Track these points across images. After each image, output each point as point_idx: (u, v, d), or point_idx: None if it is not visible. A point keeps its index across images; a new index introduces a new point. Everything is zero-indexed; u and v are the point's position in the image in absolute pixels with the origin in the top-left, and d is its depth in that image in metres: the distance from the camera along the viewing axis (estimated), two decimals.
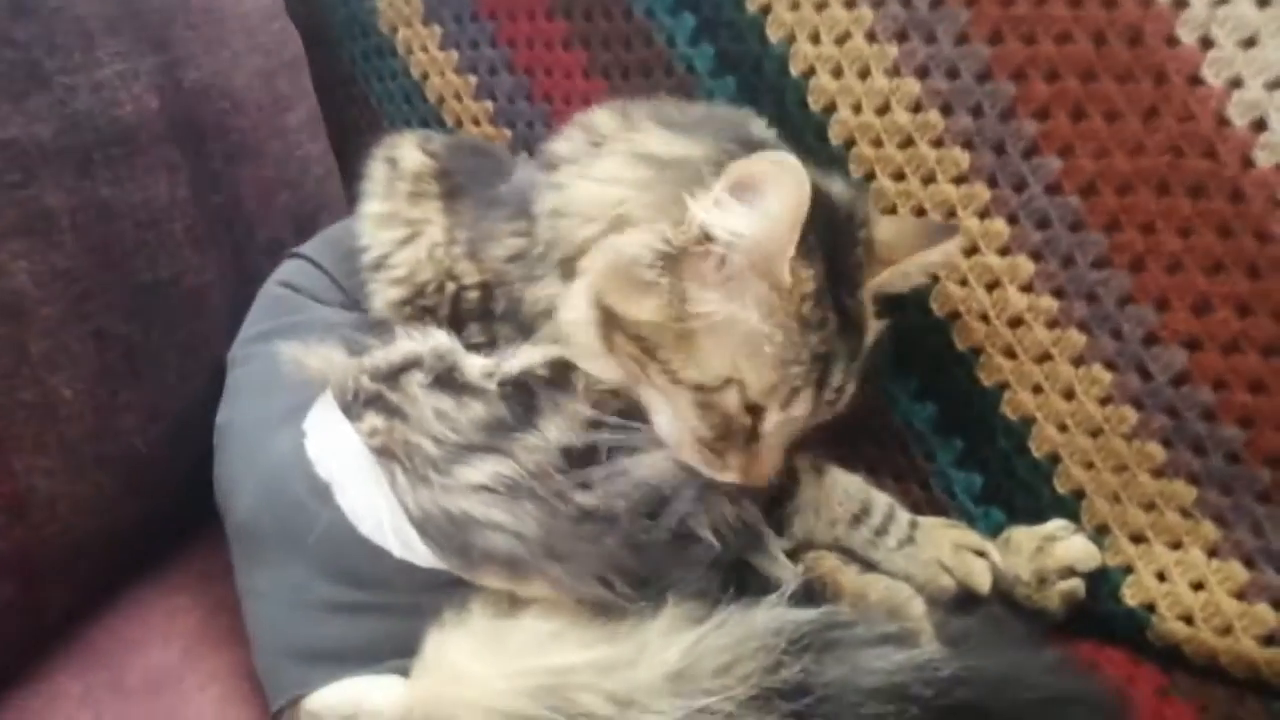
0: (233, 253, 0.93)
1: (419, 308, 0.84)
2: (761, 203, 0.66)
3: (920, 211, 0.86)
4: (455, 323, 0.82)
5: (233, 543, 0.81)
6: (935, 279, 0.86)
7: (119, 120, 0.82)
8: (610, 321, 0.73)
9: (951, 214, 0.84)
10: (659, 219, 0.72)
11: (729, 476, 0.74)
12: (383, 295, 0.85)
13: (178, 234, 0.87)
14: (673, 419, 0.74)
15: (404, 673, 0.74)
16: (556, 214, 0.78)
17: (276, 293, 0.90)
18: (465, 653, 0.72)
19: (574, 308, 0.75)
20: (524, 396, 0.75)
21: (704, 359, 0.71)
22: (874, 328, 0.77)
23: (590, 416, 0.74)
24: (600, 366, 0.75)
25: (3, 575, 0.77)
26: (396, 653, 0.74)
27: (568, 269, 0.77)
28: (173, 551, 0.95)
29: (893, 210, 0.87)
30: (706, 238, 0.69)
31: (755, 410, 0.73)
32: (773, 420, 0.73)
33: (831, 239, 0.72)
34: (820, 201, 0.68)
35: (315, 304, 0.89)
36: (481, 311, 0.83)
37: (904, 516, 0.82)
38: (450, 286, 0.83)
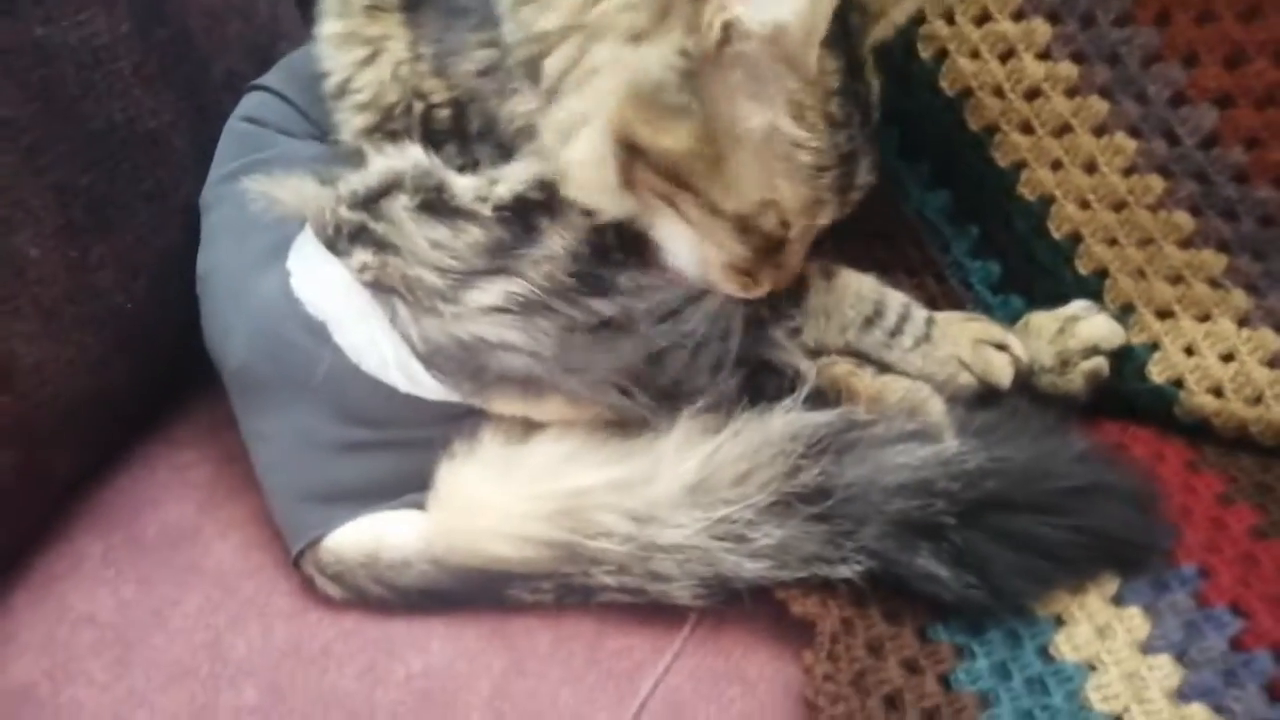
0: (188, 90, 0.87)
1: (388, 133, 0.78)
2: None
3: None
4: (430, 146, 0.77)
5: (231, 391, 0.79)
6: (943, 54, 0.80)
7: None
8: (633, 157, 0.68)
9: None
10: (645, 19, 0.66)
11: (761, 292, 0.73)
12: (349, 124, 0.80)
13: (125, 73, 0.81)
14: (701, 247, 0.71)
15: (420, 507, 0.74)
16: (519, 2, 0.72)
17: (241, 129, 0.85)
18: (480, 482, 0.72)
19: (579, 144, 0.70)
20: (521, 219, 0.71)
21: (741, 183, 0.67)
22: (881, 95, 0.72)
23: (590, 224, 0.71)
24: (608, 202, 0.71)
25: (1, 443, 0.75)
26: (411, 487, 0.74)
27: (532, 69, 0.71)
28: (176, 406, 0.94)
29: None
30: (730, 30, 0.63)
31: (785, 224, 0.70)
32: (799, 230, 0.71)
33: (836, 16, 0.65)
34: None
35: (283, 137, 0.84)
36: (456, 132, 0.78)
37: (919, 314, 0.79)
38: (419, 106, 0.78)
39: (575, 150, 0.70)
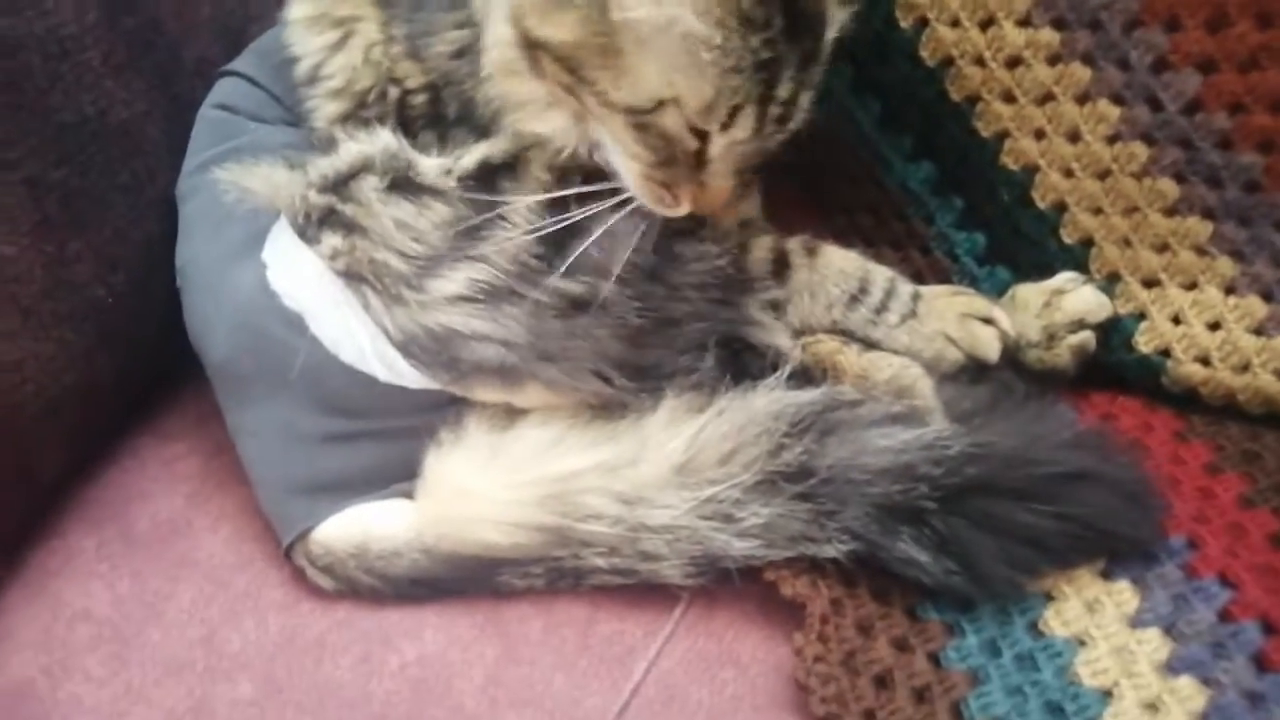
0: (160, 78, 0.85)
1: (362, 121, 0.77)
2: None
3: None
4: (406, 132, 0.76)
5: (215, 385, 0.79)
6: (923, 23, 0.78)
7: None
8: (535, 51, 0.66)
9: None
10: None
11: (679, 209, 0.69)
12: (322, 111, 0.79)
13: (94, 63, 0.80)
14: (620, 153, 0.68)
15: (408, 496, 0.74)
16: None
17: (214, 116, 0.84)
18: (467, 469, 0.72)
19: (498, 45, 0.69)
20: (484, 188, 0.70)
21: (635, 76, 0.64)
22: (836, 20, 0.67)
23: (552, 184, 0.70)
24: (541, 114, 0.70)
25: None
26: (397, 477, 0.74)
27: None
28: (163, 399, 0.93)
29: None
30: None
31: (700, 135, 0.66)
32: (718, 144, 0.66)
33: None
34: None
35: (256, 124, 0.82)
36: (432, 117, 0.76)
37: (905, 289, 0.78)
38: (393, 92, 0.77)
39: (494, 54, 0.69)
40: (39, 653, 0.74)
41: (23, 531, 0.82)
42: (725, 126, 0.65)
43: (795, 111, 0.67)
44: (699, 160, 0.67)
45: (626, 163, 0.69)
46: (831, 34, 0.67)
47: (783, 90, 0.65)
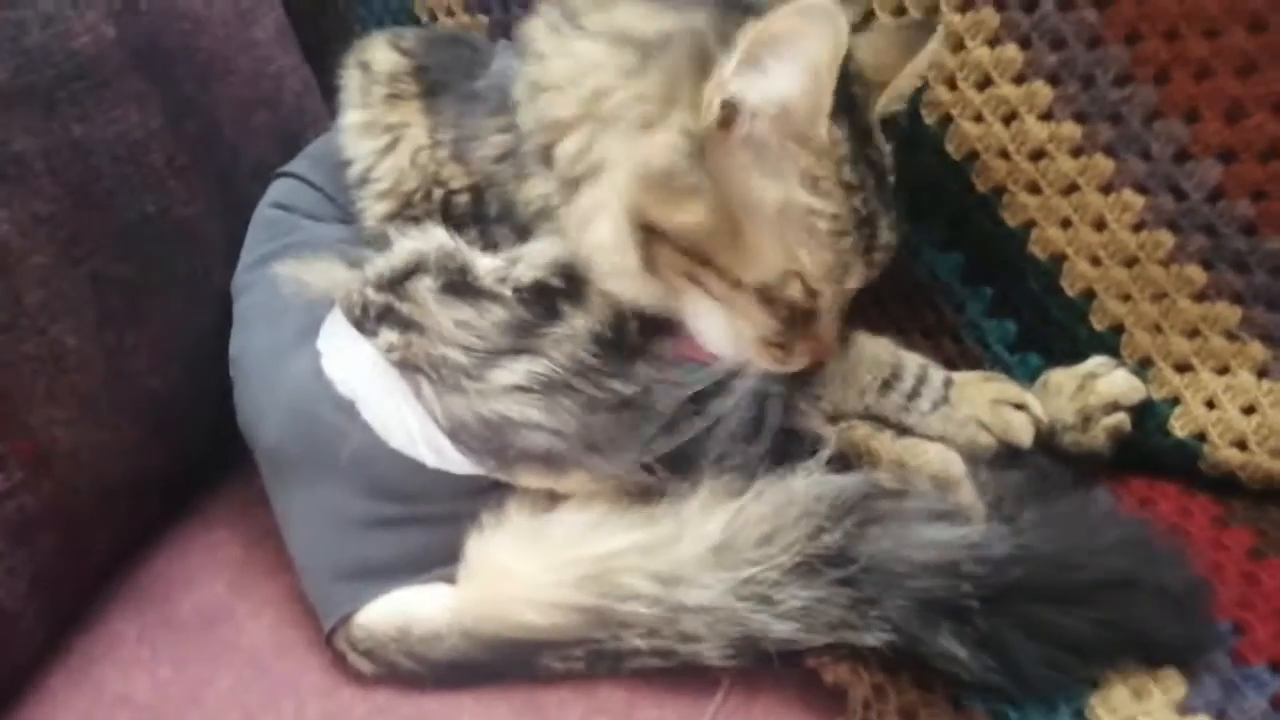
0: (219, 180, 0.90)
1: (409, 219, 0.80)
2: (796, 58, 0.63)
3: (900, 10, 0.81)
4: (450, 230, 0.79)
5: (264, 471, 0.80)
6: (948, 119, 0.81)
7: (76, 53, 0.78)
8: (653, 239, 0.70)
9: (960, 45, 0.79)
10: (658, 113, 0.69)
11: (798, 365, 0.73)
12: (371, 211, 0.82)
13: (158, 166, 0.84)
14: (731, 324, 0.72)
15: (450, 580, 0.74)
16: (535, 89, 0.74)
17: (270, 215, 0.87)
18: (508, 552, 0.73)
19: (596, 228, 0.72)
20: (543, 300, 0.73)
21: (761, 254, 0.69)
22: (889, 155, 0.74)
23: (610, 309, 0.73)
24: (633, 287, 0.73)
25: (41, 528, 0.77)
26: (440, 561, 0.74)
27: (545, 156, 0.73)
28: (209, 487, 0.95)
29: (869, 15, 0.82)
30: (732, 115, 0.65)
31: (812, 293, 0.71)
32: (828, 298, 0.72)
33: (839, 86, 0.67)
34: None
35: (311, 222, 0.86)
36: (474, 216, 0.79)
37: (937, 376, 0.79)
38: (438, 193, 0.80)
39: (595, 236, 0.72)
40: None
41: (69, 616, 0.83)
42: (838, 283, 0.71)
43: (890, 253, 0.73)
44: (810, 317, 0.72)
45: (739, 333, 0.72)
46: (892, 175, 0.73)
47: (882, 238, 0.72)
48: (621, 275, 0.73)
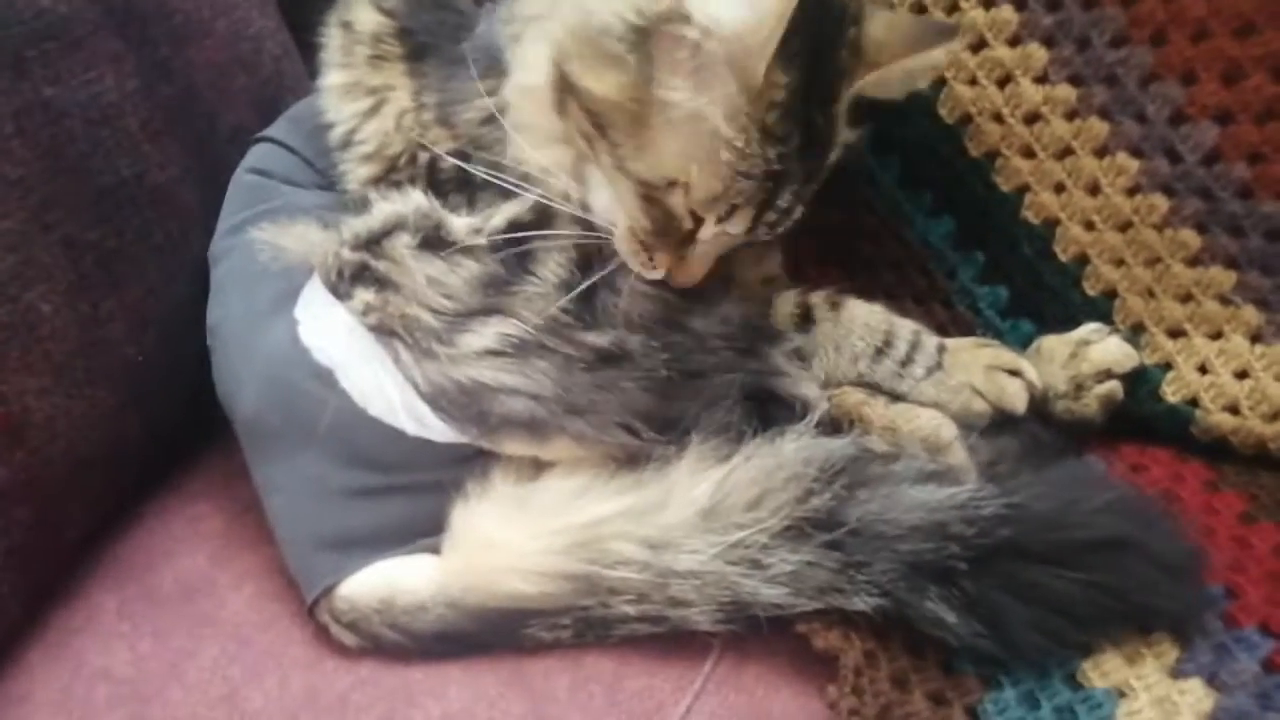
0: (195, 144, 0.88)
1: (393, 184, 0.79)
2: None
3: (920, 8, 0.80)
4: (435, 195, 0.77)
5: (243, 441, 0.79)
6: (941, 82, 0.80)
7: (47, 11, 0.76)
8: (567, 88, 0.68)
9: (954, 5, 0.78)
10: None
11: (654, 273, 0.72)
12: (355, 174, 0.81)
13: (133, 129, 0.82)
14: (613, 206, 0.71)
15: (434, 550, 0.74)
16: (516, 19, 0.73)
17: (248, 180, 0.86)
18: (493, 521, 0.72)
19: (529, 69, 0.71)
20: (514, 244, 0.72)
21: (655, 153, 0.67)
22: (843, 141, 0.72)
23: (581, 238, 0.71)
24: (548, 145, 0.72)
25: (14, 500, 0.75)
26: (424, 531, 0.73)
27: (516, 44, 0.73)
28: (188, 458, 0.94)
29: (889, 5, 0.81)
30: (683, 18, 0.63)
31: (696, 219, 0.70)
32: (709, 231, 0.70)
33: (816, 39, 0.66)
34: None
35: (289, 188, 0.84)
36: (460, 182, 0.78)
37: (930, 342, 0.78)
38: (423, 157, 0.79)
39: (523, 76, 0.71)
40: (57, 712, 0.73)
41: (46, 589, 0.82)
42: (721, 219, 0.69)
43: (787, 220, 0.71)
44: (687, 239, 0.71)
45: (617, 216, 0.71)
46: (834, 156, 0.71)
47: (783, 200, 0.69)
48: (540, 129, 0.72)
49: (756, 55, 0.62)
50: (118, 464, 0.84)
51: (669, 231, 0.70)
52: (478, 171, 0.75)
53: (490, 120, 0.76)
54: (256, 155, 0.87)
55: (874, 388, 0.78)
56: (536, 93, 0.71)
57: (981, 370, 0.77)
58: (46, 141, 0.76)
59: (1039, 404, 0.78)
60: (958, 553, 0.63)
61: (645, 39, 0.65)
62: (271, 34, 1.01)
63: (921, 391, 0.77)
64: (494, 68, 0.76)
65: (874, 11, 0.71)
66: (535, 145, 0.72)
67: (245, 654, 0.75)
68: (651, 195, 0.69)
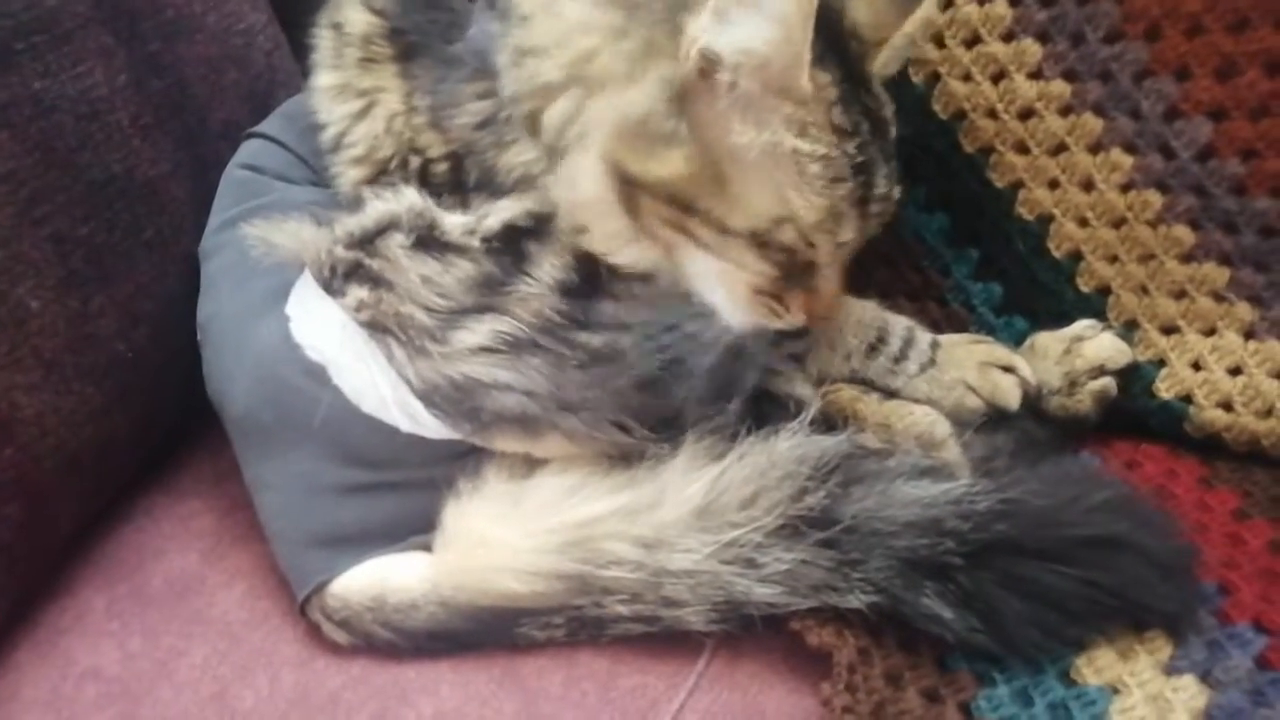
0: (186, 139, 0.88)
1: (384, 186, 0.78)
2: (762, 10, 0.61)
3: None
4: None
5: (234, 438, 0.78)
6: (935, 77, 0.80)
7: (36, 4, 0.76)
8: (632, 189, 0.68)
9: (949, 2, 0.78)
10: (640, 67, 0.67)
11: (796, 320, 0.71)
12: (346, 177, 0.80)
13: (123, 124, 0.82)
14: (725, 274, 0.70)
15: (426, 548, 0.73)
16: (520, 53, 0.72)
17: (240, 176, 0.85)
18: (486, 519, 0.71)
19: (580, 187, 0.70)
20: (510, 247, 0.71)
21: (749, 199, 0.67)
22: (892, 115, 0.72)
23: (578, 247, 0.71)
24: (625, 247, 0.71)
25: (3, 497, 0.75)
26: (416, 529, 0.73)
27: (532, 122, 0.71)
28: (179, 456, 0.93)
29: None
30: (711, 65, 0.64)
31: (809, 243, 0.69)
32: (826, 250, 0.70)
33: (829, 35, 0.66)
34: None
35: (282, 183, 0.84)
36: (453, 185, 0.77)
37: (924, 338, 0.78)
38: (414, 161, 0.78)
39: (580, 195, 0.70)
40: (46, 712, 0.73)
41: (35, 587, 0.81)
42: (833, 232, 0.69)
43: (890, 205, 0.71)
44: (812, 269, 0.70)
45: (733, 282, 0.70)
46: (895, 131, 0.71)
47: (880, 188, 0.69)
48: (611, 236, 0.70)
49: (795, 68, 0.63)
50: (107, 461, 0.84)
51: (793, 269, 0.69)
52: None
53: (483, 125, 0.75)
54: (248, 151, 0.87)
55: (868, 384, 0.78)
56: (597, 204, 0.69)
57: (975, 366, 0.77)
58: (35, 136, 0.75)
59: (1033, 400, 0.78)
60: (953, 548, 0.63)
61: (685, 104, 0.65)
62: (263, 28, 1.01)
63: (915, 388, 0.77)
64: (486, 71, 0.75)
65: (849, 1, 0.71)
66: (618, 252, 0.71)
67: (236, 652, 0.75)
68: (764, 241, 0.68)
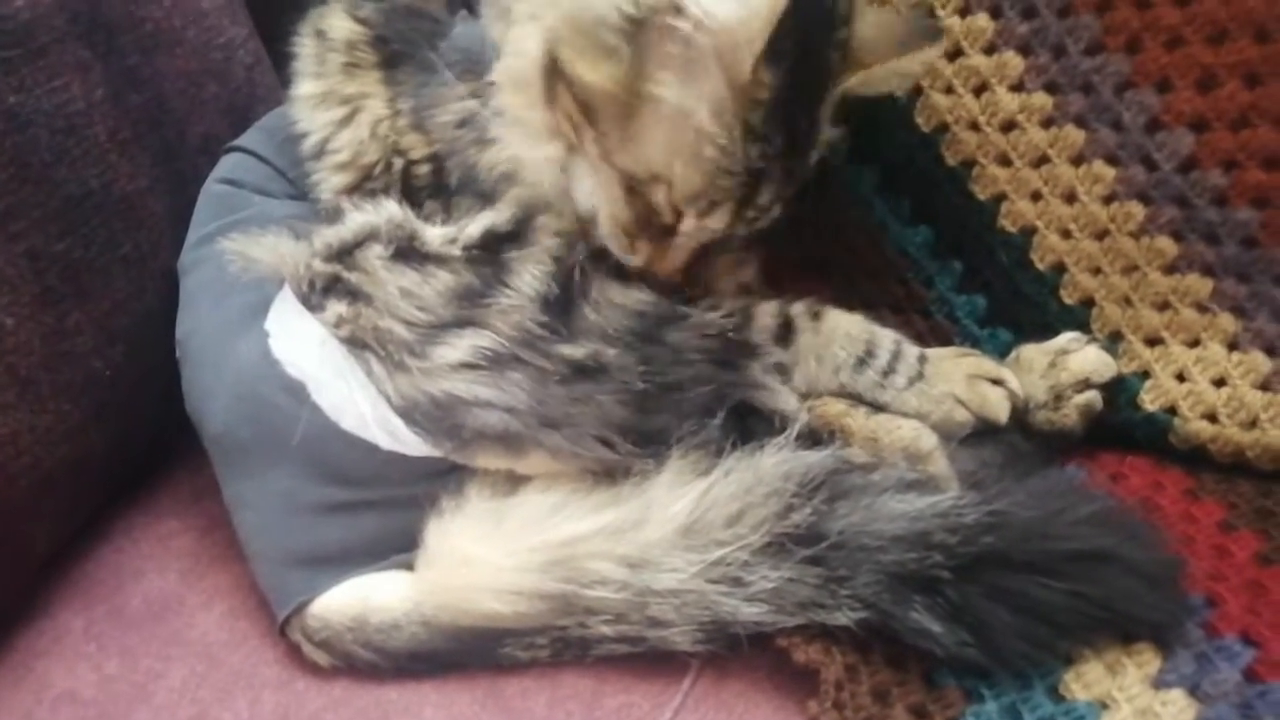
0: (165, 154, 0.87)
1: (368, 193, 0.78)
2: None
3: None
4: (410, 203, 0.77)
5: (213, 457, 0.78)
6: (917, 90, 0.80)
7: (10, 18, 0.75)
8: (556, 76, 0.68)
9: (929, 13, 0.78)
10: None
11: (635, 261, 0.72)
12: (329, 184, 0.80)
13: (100, 139, 0.81)
14: (598, 194, 0.71)
15: (408, 567, 0.72)
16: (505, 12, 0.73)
17: (218, 191, 0.85)
18: (468, 537, 0.71)
19: (520, 51, 0.70)
20: (490, 255, 0.71)
21: (641, 147, 0.67)
22: (825, 141, 0.72)
23: (559, 251, 0.71)
24: (534, 141, 0.71)
25: None
26: (398, 547, 0.72)
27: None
28: (157, 474, 0.92)
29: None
30: (677, 9, 0.63)
31: (677, 213, 0.70)
32: (689, 225, 0.71)
33: (806, 40, 0.65)
34: None
35: (261, 198, 0.83)
36: (435, 187, 0.77)
37: (912, 351, 0.78)
38: (398, 163, 0.78)
39: (513, 56, 0.71)
40: None
41: (11, 610, 0.80)
42: (702, 215, 0.69)
43: (766, 218, 0.72)
44: (668, 231, 0.71)
45: (599, 203, 0.72)
46: (816, 156, 0.71)
47: (763, 198, 0.70)
48: (527, 120, 0.71)
49: (745, 50, 0.62)
50: (84, 480, 0.83)
51: (650, 224, 0.70)
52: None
53: (464, 123, 0.75)
54: (227, 165, 0.86)
55: (856, 398, 0.77)
56: (526, 83, 0.70)
57: (964, 380, 0.77)
58: (10, 151, 0.74)
59: (1020, 414, 0.77)
60: (941, 561, 0.63)
61: (639, 30, 0.65)
62: (243, 42, 1.00)
63: (904, 402, 0.77)
64: (471, 70, 0.75)
65: (864, 9, 0.71)
66: (521, 139, 0.72)
67: (215, 674, 0.74)
68: (635, 188, 0.69)
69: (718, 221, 0.70)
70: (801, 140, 0.69)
